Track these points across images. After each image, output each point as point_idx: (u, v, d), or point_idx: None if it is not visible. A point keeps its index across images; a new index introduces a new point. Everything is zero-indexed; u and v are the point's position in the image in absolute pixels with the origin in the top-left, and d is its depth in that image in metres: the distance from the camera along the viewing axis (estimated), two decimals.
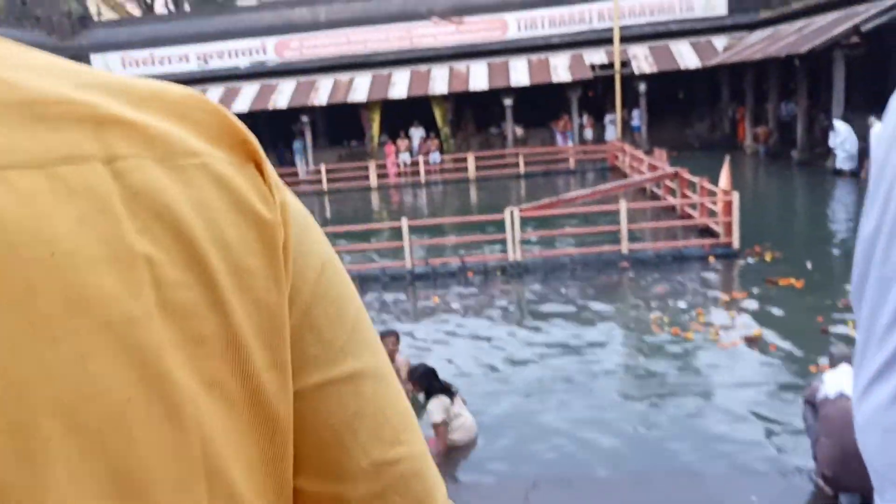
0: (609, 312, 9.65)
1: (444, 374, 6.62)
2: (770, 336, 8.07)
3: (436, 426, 5.48)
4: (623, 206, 12.07)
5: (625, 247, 12.00)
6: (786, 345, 7.79)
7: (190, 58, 30.40)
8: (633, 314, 9.49)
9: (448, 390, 5.64)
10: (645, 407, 6.51)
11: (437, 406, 5.51)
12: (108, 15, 41.16)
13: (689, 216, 14.48)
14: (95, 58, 30.44)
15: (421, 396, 5.69)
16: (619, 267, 11.72)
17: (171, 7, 50.85)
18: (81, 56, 30.31)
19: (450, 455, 5.51)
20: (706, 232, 13.26)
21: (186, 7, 49.86)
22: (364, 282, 11.88)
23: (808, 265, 10.79)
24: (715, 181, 13.29)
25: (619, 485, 4.95)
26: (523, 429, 6.11)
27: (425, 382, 5.60)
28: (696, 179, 13.72)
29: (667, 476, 5.04)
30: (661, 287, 10.59)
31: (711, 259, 11.65)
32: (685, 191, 15.03)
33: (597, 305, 9.92)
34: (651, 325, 8.80)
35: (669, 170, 15.91)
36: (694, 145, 28.78)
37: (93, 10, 36.57)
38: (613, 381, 7.23)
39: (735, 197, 11.74)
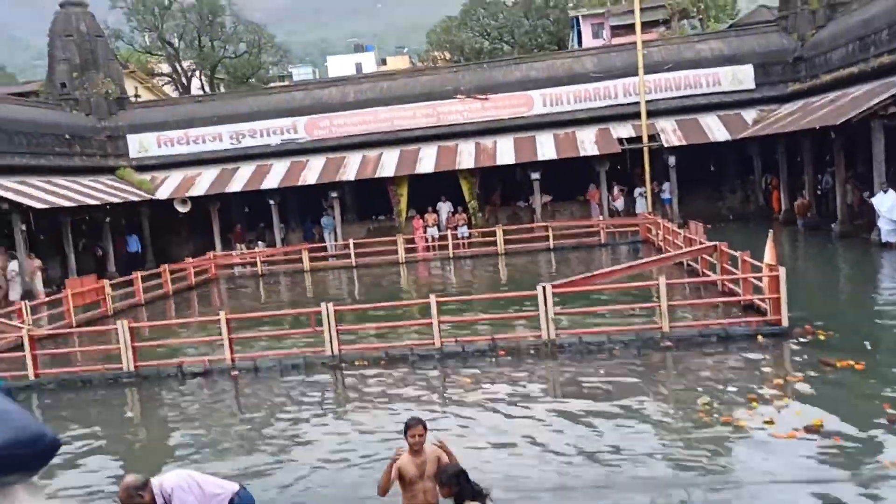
0: (651, 396, 9.06)
1: (474, 461, 6.11)
2: (831, 424, 7.43)
3: None
4: (662, 282, 11.58)
5: (666, 325, 11.44)
6: (851, 434, 7.15)
7: (223, 137, 30.96)
8: (679, 398, 8.89)
9: (480, 494, 5.12)
10: None
11: None
12: (146, 96, 42.42)
13: (732, 292, 13.91)
14: (132, 138, 31.13)
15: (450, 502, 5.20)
16: (661, 346, 11.14)
17: (206, 88, 52.48)
18: (118, 136, 31.05)
19: None
20: (750, 308, 12.66)
21: (221, 88, 51.40)
22: (392, 361, 11.44)
23: (867, 345, 10.14)
24: (754, 255, 12.81)
25: None
26: None
27: (455, 485, 5.09)
28: (737, 253, 13.20)
29: None
30: (707, 369, 9.98)
31: (760, 338, 11.03)
32: (726, 265, 14.50)
33: (638, 388, 9.33)
34: (698, 411, 8.20)
35: (709, 243, 15.42)
36: (727, 217, 28.30)
37: (130, 91, 37.67)
38: (658, 470, 6.62)
39: (782, 272, 11.21)
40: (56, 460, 8.45)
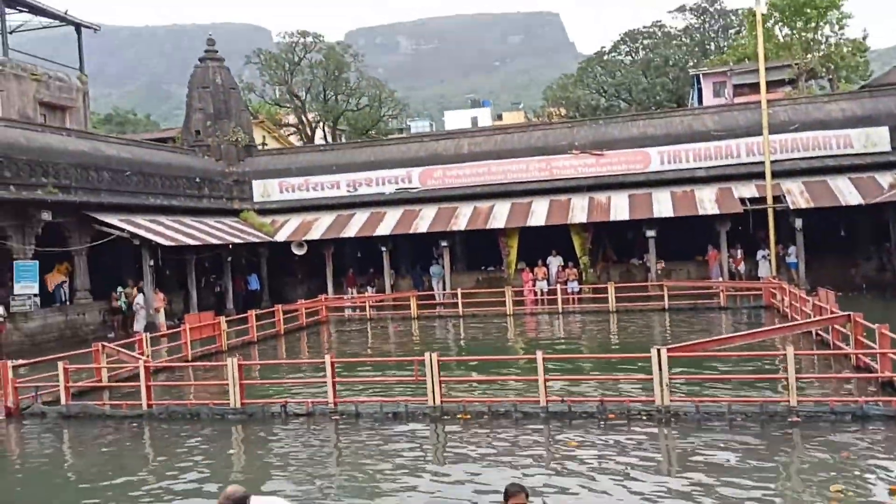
0: (776, 476, 8.24)
1: None
2: None
3: None
4: (790, 352, 10.71)
5: (793, 398, 10.51)
6: None
7: (341, 185, 32.02)
8: (807, 482, 8.03)
9: None
10: None
11: None
12: (272, 145, 44.67)
13: (868, 368, 12.75)
14: (256, 183, 32.72)
15: None
16: (787, 421, 10.24)
17: (329, 139, 54.77)
18: (244, 181, 32.70)
19: None
20: (889, 387, 11.52)
21: (343, 139, 53.52)
22: (495, 417, 11.08)
23: None
24: (893, 327, 11.72)
25: None
26: None
27: None
28: (874, 326, 12.11)
29: None
30: (840, 451, 9.04)
31: None
32: (860, 337, 13.33)
33: (761, 466, 8.51)
34: (830, 500, 7.36)
35: (841, 313, 14.27)
36: (860, 286, 26.37)
37: (258, 140, 39.78)
38: None
39: None
40: (155, 490, 8.64)
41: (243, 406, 12.17)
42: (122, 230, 23.63)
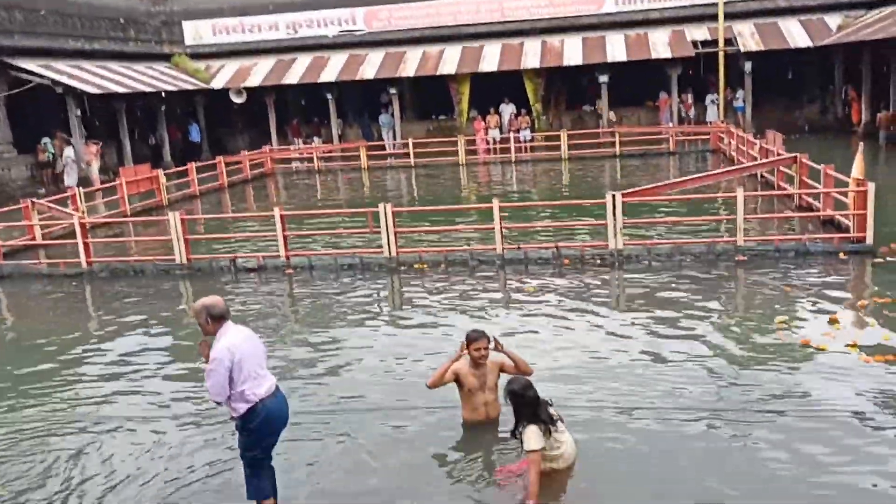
0: (724, 312, 8.45)
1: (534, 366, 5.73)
2: None
3: (530, 453, 4.58)
4: (740, 193, 10.76)
5: (740, 238, 10.70)
6: None
7: (279, 26, 30.03)
8: (753, 316, 8.26)
9: (539, 418, 4.71)
10: (772, 445, 5.37)
11: (535, 433, 4.61)
12: None
13: (810, 207, 13.00)
14: (187, 24, 30.45)
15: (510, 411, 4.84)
16: (734, 260, 10.45)
17: None
18: (173, 22, 30.39)
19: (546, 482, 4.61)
20: (829, 225, 11.81)
21: None
22: (451, 265, 11.03)
23: None
24: (836, 168, 11.86)
25: None
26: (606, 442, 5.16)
27: (527, 412, 4.68)
28: (819, 166, 12.20)
29: None
30: (784, 286, 9.29)
31: (842, 255, 10.25)
32: (804, 178, 13.50)
33: (709, 304, 8.72)
34: (775, 330, 7.59)
35: (788, 154, 14.36)
36: (803, 129, 26.66)
37: None
38: (731, 392, 6.10)
39: (871, 186, 10.30)
40: (108, 348, 8.43)
41: (189, 262, 11.82)
42: (42, 77, 21.91)
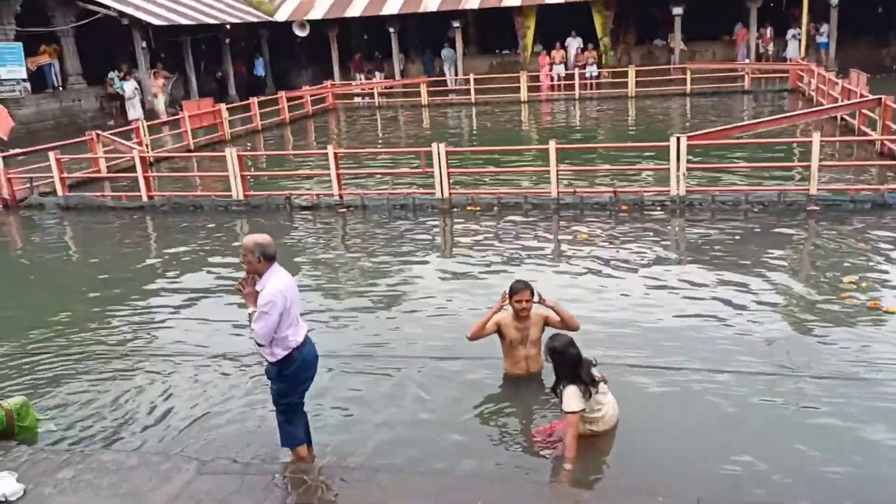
0: (788, 269, 8.00)
1: (581, 317, 5.52)
2: None
3: (569, 414, 4.40)
4: (816, 139, 10.07)
5: (813, 187, 10.08)
6: None
7: None
8: (821, 273, 7.79)
9: (593, 381, 4.52)
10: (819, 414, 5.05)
11: (574, 393, 4.43)
12: None
13: (892, 154, 12.17)
14: None
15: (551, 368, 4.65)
16: (805, 210, 9.88)
17: None
18: None
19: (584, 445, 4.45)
20: None
21: None
22: (504, 208, 10.78)
23: None
24: None
25: None
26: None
27: (567, 371, 4.50)
28: None
29: None
30: (858, 241, 8.73)
31: None
32: (888, 122, 12.60)
33: (773, 258, 8.26)
34: (842, 291, 7.12)
35: (872, 97, 13.39)
36: (890, 68, 24.91)
37: None
38: (780, 355, 5.77)
39: None
40: (161, 282, 8.60)
41: (246, 198, 11.90)
42: (109, 7, 22.11)
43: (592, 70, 26.18)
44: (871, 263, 8.00)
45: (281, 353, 4.31)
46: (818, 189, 10.11)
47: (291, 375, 4.37)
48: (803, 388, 5.29)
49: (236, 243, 10.48)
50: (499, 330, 5.40)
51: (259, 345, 4.29)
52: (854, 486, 4.13)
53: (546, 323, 5.41)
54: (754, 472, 4.27)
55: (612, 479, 4.28)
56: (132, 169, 12.92)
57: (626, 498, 3.91)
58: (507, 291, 5.32)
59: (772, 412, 4.99)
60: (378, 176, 13.61)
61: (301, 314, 4.46)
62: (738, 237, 9.13)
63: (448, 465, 4.51)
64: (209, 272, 8.97)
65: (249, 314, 4.28)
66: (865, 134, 13.61)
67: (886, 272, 7.69)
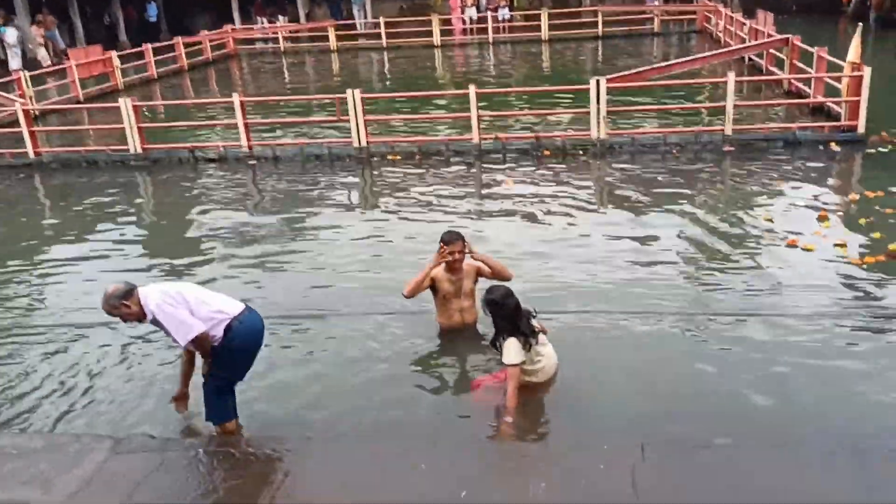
0: (708, 207, 8.04)
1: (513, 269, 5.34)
2: None
3: (509, 367, 4.22)
4: (731, 78, 10.13)
5: (729, 127, 10.19)
6: None
7: None
8: (738, 212, 7.86)
9: (533, 332, 4.34)
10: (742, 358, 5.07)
11: (514, 346, 4.24)
12: None
13: (800, 93, 12.46)
14: None
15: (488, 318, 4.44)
16: (721, 150, 10.00)
17: None
18: None
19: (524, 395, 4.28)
20: (819, 112, 11.32)
21: None
22: (426, 156, 10.44)
23: None
24: (829, 52, 11.23)
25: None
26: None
27: (506, 323, 4.29)
28: (813, 49, 11.54)
29: None
30: (772, 178, 8.89)
31: (833, 146, 9.81)
32: (795, 61, 12.87)
33: (693, 198, 8.31)
34: (761, 229, 7.20)
35: (779, 36, 13.63)
36: (790, 8, 25.58)
37: None
38: (711, 299, 5.76)
39: (867, 72, 9.76)
40: (50, 246, 7.90)
41: (145, 151, 11.09)
42: None
43: (505, 13, 25.77)
44: (786, 199, 8.14)
45: (218, 332, 3.92)
46: (732, 129, 10.22)
47: (235, 349, 3.99)
48: (722, 327, 5.27)
49: (139, 200, 9.78)
50: (432, 284, 5.14)
51: (191, 342, 3.88)
52: (775, 419, 4.13)
53: (479, 273, 5.18)
54: (690, 412, 4.21)
55: (556, 431, 4.14)
56: (15, 124, 11.81)
57: (571, 450, 3.77)
58: (440, 244, 5.06)
59: (698, 350, 4.95)
60: (289, 125, 12.96)
61: (216, 279, 4.07)
62: (658, 178, 9.14)
63: (386, 428, 4.26)
64: (108, 233, 8.30)
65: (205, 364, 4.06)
66: (773, 74, 13.88)
67: (801, 207, 7.84)
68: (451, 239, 5.02)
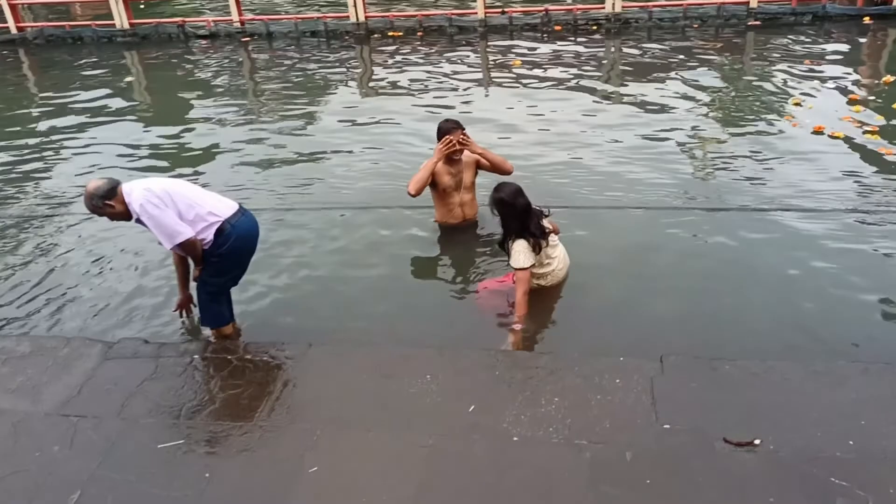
0: (728, 89, 7.58)
1: (513, 156, 5.01)
2: None
3: (518, 270, 3.94)
4: None
5: (754, 0, 9.51)
6: None
7: None
8: (761, 94, 7.40)
9: (543, 233, 4.02)
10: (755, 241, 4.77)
11: (524, 248, 3.94)
12: None
13: None
14: None
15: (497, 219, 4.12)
16: (746, 25, 9.36)
17: None
18: None
19: (533, 299, 4.03)
20: None
21: None
22: (428, 33, 9.82)
23: None
24: None
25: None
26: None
27: (516, 224, 3.97)
28: None
29: None
30: (799, 57, 8.34)
31: (866, 20, 9.17)
32: None
33: (712, 79, 7.82)
34: (786, 115, 6.76)
35: None
36: None
37: None
38: (733, 192, 5.42)
39: None
40: (41, 125, 7.52)
41: (133, 27, 10.46)
42: None
43: None
44: (813, 83, 7.65)
45: (208, 235, 3.63)
46: (758, 2, 9.54)
47: (227, 254, 3.71)
48: (743, 223, 4.93)
49: (129, 79, 9.27)
50: (431, 180, 4.80)
51: (179, 246, 3.60)
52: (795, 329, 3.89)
53: (478, 165, 4.84)
54: (707, 319, 3.96)
55: (568, 340, 3.91)
56: None
57: (585, 360, 3.56)
58: (438, 133, 4.69)
59: (715, 250, 4.62)
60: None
61: (207, 171, 3.73)
62: (678, 57, 8.59)
63: (389, 333, 4.06)
64: (98, 115, 7.89)
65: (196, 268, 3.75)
66: None
67: (829, 91, 7.37)
68: (451, 127, 4.65)
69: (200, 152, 6.72)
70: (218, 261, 3.74)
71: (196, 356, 3.85)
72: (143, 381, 3.64)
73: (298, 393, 3.48)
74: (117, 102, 8.35)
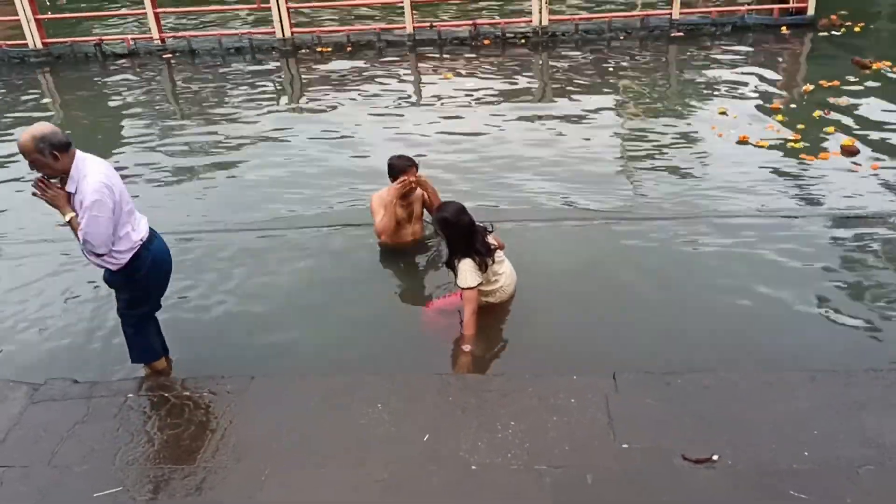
0: (654, 98, 7.75)
1: (450, 166, 4.96)
2: (872, 143, 6.30)
3: (466, 290, 3.88)
4: None
5: (676, 11, 9.78)
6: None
7: None
8: (688, 101, 7.59)
9: (489, 250, 3.98)
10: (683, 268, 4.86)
11: (470, 267, 3.89)
12: None
13: None
14: None
15: (443, 244, 4.08)
16: (669, 36, 9.61)
17: None
18: None
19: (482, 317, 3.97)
20: None
21: None
22: (357, 49, 9.71)
23: None
24: None
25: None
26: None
27: (461, 243, 3.92)
28: None
29: None
30: (722, 66, 8.59)
31: (784, 29, 9.54)
32: None
33: (638, 89, 7.99)
34: (712, 125, 6.92)
35: None
36: None
37: None
38: (652, 203, 5.49)
39: None
40: None
41: (46, 46, 9.99)
42: None
43: None
44: (736, 91, 7.88)
45: (125, 256, 3.41)
46: (681, 13, 9.82)
47: (144, 279, 3.50)
48: (673, 232, 4.99)
49: (45, 100, 8.84)
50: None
51: (97, 255, 3.35)
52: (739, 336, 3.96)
53: (423, 200, 4.83)
54: (656, 330, 3.97)
55: (518, 359, 3.87)
56: None
57: (538, 380, 3.52)
58: (390, 171, 4.62)
59: (650, 258, 4.66)
60: (203, 16, 11.87)
61: (130, 195, 3.52)
62: (603, 68, 8.77)
63: (335, 360, 3.93)
64: (9, 143, 7.48)
65: (68, 222, 3.30)
66: None
67: (752, 100, 7.60)
68: (406, 166, 4.60)
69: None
70: (135, 288, 3.53)
71: (131, 395, 3.64)
72: (75, 424, 3.43)
73: (243, 430, 3.32)
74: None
